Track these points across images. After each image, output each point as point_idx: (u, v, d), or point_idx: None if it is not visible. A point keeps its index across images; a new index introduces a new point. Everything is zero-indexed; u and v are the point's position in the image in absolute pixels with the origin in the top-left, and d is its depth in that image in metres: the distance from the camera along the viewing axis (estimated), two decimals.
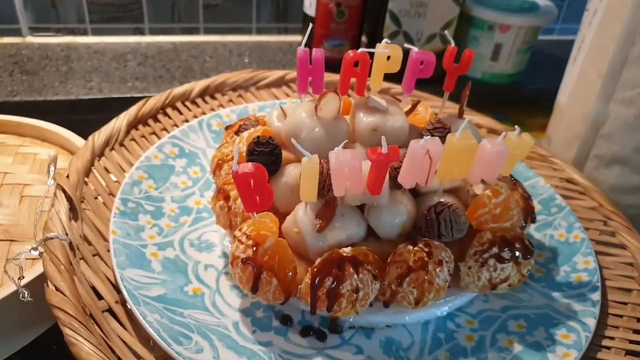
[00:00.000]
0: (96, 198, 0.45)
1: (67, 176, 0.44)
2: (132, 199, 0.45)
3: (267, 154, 0.38)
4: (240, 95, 0.62)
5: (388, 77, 0.44)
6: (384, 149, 0.33)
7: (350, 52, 0.41)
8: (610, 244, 0.49)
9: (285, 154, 0.40)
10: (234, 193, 0.39)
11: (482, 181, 0.38)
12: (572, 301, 0.42)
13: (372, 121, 0.40)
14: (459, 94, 0.44)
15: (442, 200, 0.38)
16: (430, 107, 0.48)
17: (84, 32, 0.88)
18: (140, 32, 0.90)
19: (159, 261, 0.41)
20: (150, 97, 0.57)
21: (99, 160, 0.48)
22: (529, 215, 0.42)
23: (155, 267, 0.41)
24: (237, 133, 0.45)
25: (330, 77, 0.58)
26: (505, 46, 0.86)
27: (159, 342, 0.34)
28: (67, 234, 0.39)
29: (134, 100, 0.56)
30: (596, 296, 0.42)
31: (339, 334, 0.39)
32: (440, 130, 0.41)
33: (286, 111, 0.43)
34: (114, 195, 0.46)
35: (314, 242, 0.36)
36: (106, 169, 0.48)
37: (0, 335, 0.40)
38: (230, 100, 0.61)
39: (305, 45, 0.40)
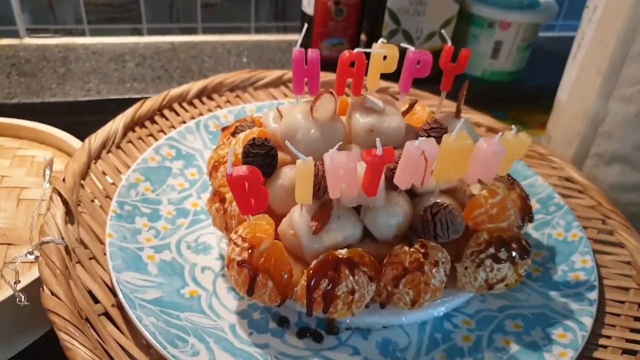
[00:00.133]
0: (93, 201, 0.45)
1: (64, 179, 0.44)
2: (129, 201, 0.45)
3: (263, 155, 0.38)
4: (237, 96, 0.62)
5: (386, 76, 0.43)
6: (379, 151, 0.33)
7: (346, 53, 0.40)
8: (609, 243, 0.49)
9: (281, 156, 0.40)
10: (229, 195, 0.39)
11: (479, 181, 0.38)
12: (570, 300, 0.42)
13: (368, 122, 0.40)
14: (457, 92, 0.44)
15: (438, 201, 0.38)
16: (429, 106, 0.48)
17: (81, 33, 0.87)
18: (138, 32, 0.90)
19: (155, 264, 0.41)
20: (148, 98, 0.57)
21: (95, 162, 0.48)
22: (527, 214, 0.42)
23: (152, 270, 0.41)
24: (233, 134, 0.45)
25: (329, 76, 0.58)
26: (505, 44, 0.85)
27: (155, 345, 0.34)
28: (62, 238, 0.39)
29: (132, 102, 0.56)
30: (593, 295, 0.42)
31: (336, 335, 0.39)
32: (437, 130, 0.41)
33: (282, 112, 0.43)
34: (110, 198, 0.45)
35: (310, 244, 0.36)
36: (103, 172, 0.48)
37: None
38: (228, 101, 0.61)
39: (304, 45, 0.40)
